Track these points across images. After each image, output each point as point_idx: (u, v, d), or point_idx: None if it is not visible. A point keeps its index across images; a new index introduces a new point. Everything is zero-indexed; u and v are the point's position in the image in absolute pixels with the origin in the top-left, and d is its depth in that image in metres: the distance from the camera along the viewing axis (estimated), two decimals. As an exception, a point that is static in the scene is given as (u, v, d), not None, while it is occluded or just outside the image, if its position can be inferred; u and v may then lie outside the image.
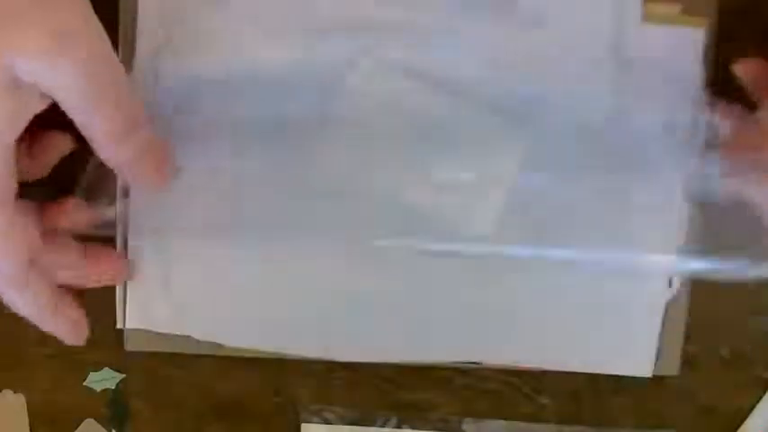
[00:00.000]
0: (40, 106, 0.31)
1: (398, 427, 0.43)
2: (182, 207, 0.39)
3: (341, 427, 0.43)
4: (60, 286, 0.37)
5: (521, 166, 0.39)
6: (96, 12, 0.31)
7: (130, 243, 0.40)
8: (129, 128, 0.32)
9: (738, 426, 0.42)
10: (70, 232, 0.37)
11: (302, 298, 0.40)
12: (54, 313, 0.36)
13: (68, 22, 0.29)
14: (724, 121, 0.34)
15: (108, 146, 0.32)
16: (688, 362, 0.42)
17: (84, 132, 0.32)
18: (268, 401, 0.43)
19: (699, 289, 0.41)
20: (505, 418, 0.43)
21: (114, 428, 0.43)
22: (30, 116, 0.31)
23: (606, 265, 0.40)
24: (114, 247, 0.40)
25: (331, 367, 0.43)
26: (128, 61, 0.38)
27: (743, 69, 0.34)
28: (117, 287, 0.41)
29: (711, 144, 0.36)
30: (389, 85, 0.38)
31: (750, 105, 0.36)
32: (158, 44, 0.37)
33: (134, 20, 0.38)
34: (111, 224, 0.40)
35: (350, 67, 0.38)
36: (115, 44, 0.33)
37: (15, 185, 0.32)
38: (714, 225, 0.38)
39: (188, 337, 0.41)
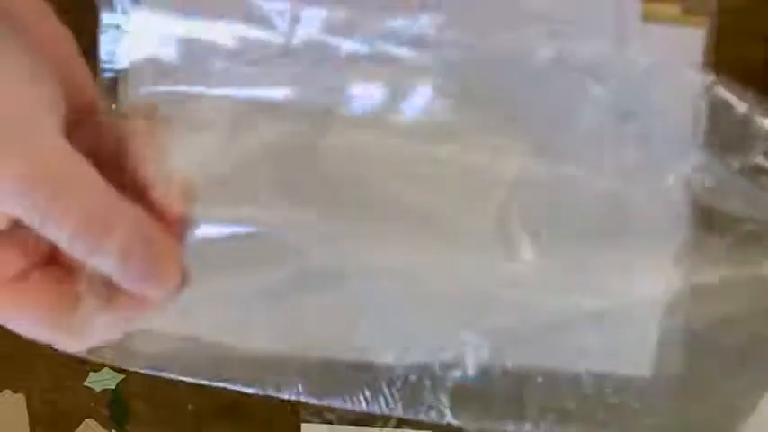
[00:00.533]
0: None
1: (398, 426, 0.43)
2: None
3: (341, 427, 0.43)
4: None
5: (521, 165, 0.39)
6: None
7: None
8: (97, 231, 0.27)
9: (739, 426, 0.42)
10: None
11: (303, 299, 0.40)
12: None
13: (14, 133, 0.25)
14: None
15: (80, 257, 0.27)
16: (688, 361, 0.42)
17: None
18: (268, 401, 0.43)
19: (699, 289, 0.41)
20: (504, 418, 0.43)
21: (114, 428, 0.43)
22: None
23: (606, 265, 0.40)
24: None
25: (331, 367, 0.43)
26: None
27: None
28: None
29: (711, 142, 0.36)
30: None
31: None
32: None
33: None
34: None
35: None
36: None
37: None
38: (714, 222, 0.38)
39: (188, 336, 0.41)
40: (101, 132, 0.29)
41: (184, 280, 0.29)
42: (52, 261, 0.29)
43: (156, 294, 0.28)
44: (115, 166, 0.28)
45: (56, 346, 0.30)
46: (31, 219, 0.26)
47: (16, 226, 0.28)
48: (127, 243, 0.27)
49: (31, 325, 0.29)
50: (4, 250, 0.28)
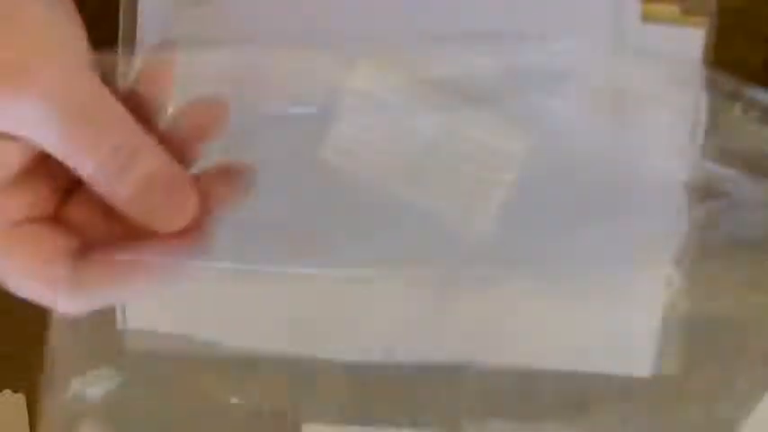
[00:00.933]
0: (14, 158, 0.28)
1: (399, 426, 0.43)
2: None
3: (341, 427, 0.43)
4: None
5: (521, 165, 0.39)
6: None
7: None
8: (123, 160, 0.28)
9: (738, 426, 0.42)
10: None
11: (303, 298, 0.40)
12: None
13: (16, 57, 0.26)
14: None
15: (101, 185, 0.28)
16: (688, 362, 0.42)
17: (77, 173, 0.28)
18: (268, 402, 0.43)
19: (699, 289, 0.41)
20: (506, 418, 0.43)
21: (114, 428, 0.43)
22: (7, 171, 0.28)
23: (606, 265, 0.40)
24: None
25: (331, 367, 0.43)
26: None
27: None
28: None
29: (711, 142, 0.36)
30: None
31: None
32: None
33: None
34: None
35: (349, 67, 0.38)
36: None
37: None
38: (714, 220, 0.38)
39: (188, 336, 0.41)
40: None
41: (200, 234, 0.30)
42: (55, 218, 0.30)
43: (167, 227, 0.29)
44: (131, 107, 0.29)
45: (51, 305, 0.30)
46: (57, 147, 0.27)
47: (28, 172, 0.28)
48: (150, 174, 0.28)
49: (21, 275, 0.29)
50: (14, 197, 0.28)
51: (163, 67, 0.30)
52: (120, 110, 0.28)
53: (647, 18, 0.39)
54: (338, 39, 0.38)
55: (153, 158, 0.28)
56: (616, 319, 0.40)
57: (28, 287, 0.30)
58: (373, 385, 0.43)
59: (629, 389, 0.42)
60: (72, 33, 0.28)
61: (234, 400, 0.43)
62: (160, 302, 0.41)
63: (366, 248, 0.38)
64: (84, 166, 0.27)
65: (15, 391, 0.43)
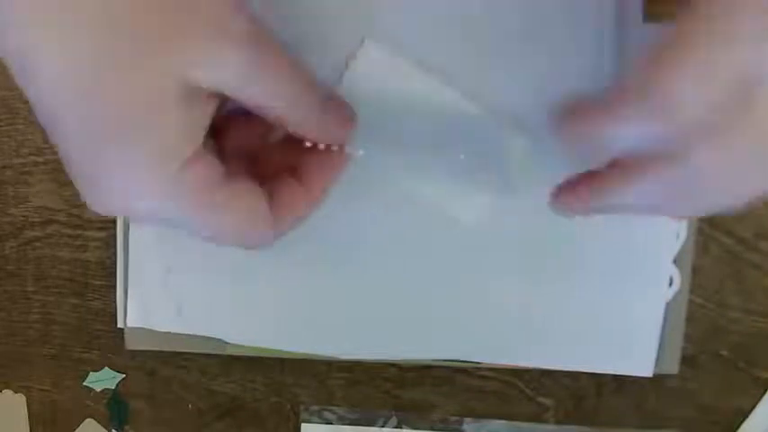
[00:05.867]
0: (210, 110, 0.30)
1: (398, 426, 0.43)
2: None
3: (341, 427, 0.43)
4: None
5: (520, 164, 0.39)
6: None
7: (131, 242, 0.40)
8: (304, 94, 0.32)
9: (738, 426, 0.42)
10: None
11: (302, 296, 0.40)
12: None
13: (220, 17, 0.29)
14: None
15: (293, 117, 0.32)
16: (688, 362, 0.42)
17: (266, 114, 0.31)
18: (268, 401, 0.43)
19: (699, 289, 0.41)
20: (505, 418, 0.43)
21: (114, 428, 0.43)
22: (204, 125, 0.30)
23: (606, 266, 0.40)
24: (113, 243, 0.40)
25: (331, 367, 0.43)
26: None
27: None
28: (117, 287, 0.41)
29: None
30: (388, 80, 0.38)
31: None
32: None
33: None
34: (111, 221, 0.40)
35: (350, 59, 0.38)
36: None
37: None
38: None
39: (188, 336, 0.41)
40: None
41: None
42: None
43: (340, 140, 0.34)
44: None
45: (263, 244, 0.33)
46: (257, 99, 0.30)
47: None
48: (324, 101, 0.32)
49: (241, 228, 0.32)
50: (209, 158, 0.31)
51: None
52: (291, 59, 0.31)
53: (648, 18, 0.39)
54: (331, 42, 0.38)
55: (318, 88, 0.32)
56: (617, 319, 0.40)
57: (245, 236, 0.33)
58: (373, 385, 0.43)
59: (629, 388, 0.42)
60: None
61: (234, 400, 0.43)
62: (160, 302, 0.41)
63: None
64: (276, 105, 0.31)
65: (15, 392, 0.43)
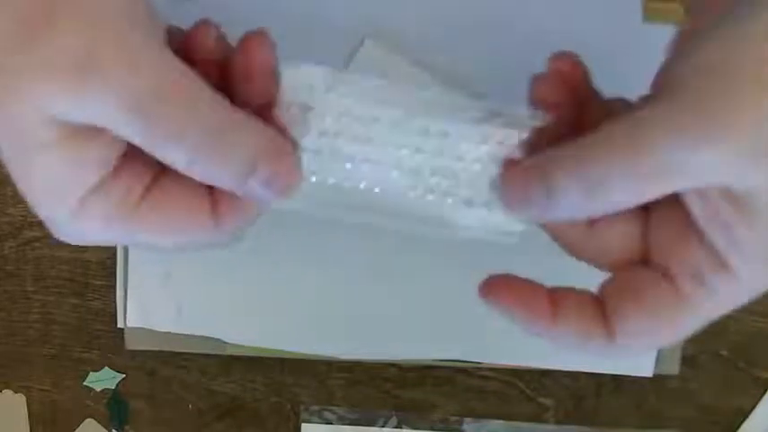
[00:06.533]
0: (103, 144, 0.25)
1: (398, 426, 0.43)
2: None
3: (341, 427, 0.43)
4: None
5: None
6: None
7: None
8: (216, 144, 0.25)
9: (738, 426, 0.43)
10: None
11: (302, 296, 0.40)
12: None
13: (83, 44, 0.24)
14: None
15: (197, 175, 0.25)
16: (688, 362, 0.42)
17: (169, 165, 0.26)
18: (268, 401, 0.43)
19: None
20: (505, 418, 0.43)
21: (114, 428, 0.43)
22: (101, 162, 0.25)
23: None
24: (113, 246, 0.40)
25: (331, 367, 0.43)
26: None
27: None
28: (117, 287, 0.41)
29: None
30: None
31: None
32: None
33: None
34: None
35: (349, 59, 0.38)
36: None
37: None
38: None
39: (188, 336, 0.41)
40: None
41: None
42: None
43: (282, 196, 0.26)
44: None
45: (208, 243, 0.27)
46: (140, 138, 0.24)
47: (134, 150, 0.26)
48: (251, 152, 0.25)
49: (175, 229, 0.27)
50: (130, 173, 0.26)
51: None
52: (209, 93, 0.25)
53: (648, 18, 0.39)
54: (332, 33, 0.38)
55: (250, 135, 0.25)
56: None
57: (182, 234, 0.27)
58: (373, 385, 0.43)
59: (629, 388, 0.42)
60: (142, 9, 0.25)
61: (234, 400, 0.43)
62: (160, 302, 0.41)
63: None
64: (174, 161, 0.25)
65: (15, 392, 0.43)
